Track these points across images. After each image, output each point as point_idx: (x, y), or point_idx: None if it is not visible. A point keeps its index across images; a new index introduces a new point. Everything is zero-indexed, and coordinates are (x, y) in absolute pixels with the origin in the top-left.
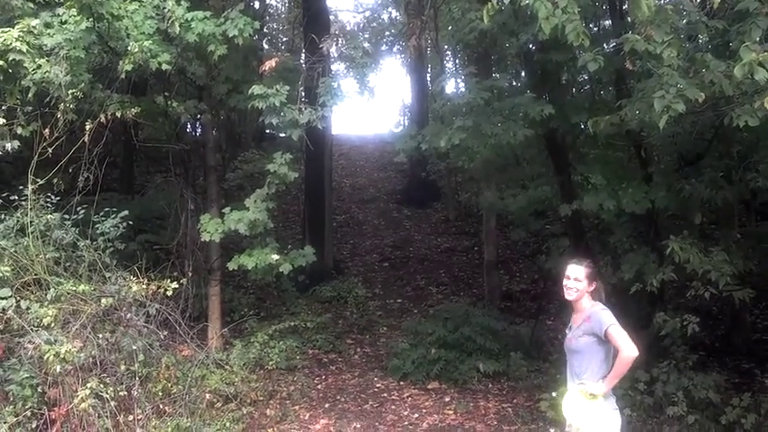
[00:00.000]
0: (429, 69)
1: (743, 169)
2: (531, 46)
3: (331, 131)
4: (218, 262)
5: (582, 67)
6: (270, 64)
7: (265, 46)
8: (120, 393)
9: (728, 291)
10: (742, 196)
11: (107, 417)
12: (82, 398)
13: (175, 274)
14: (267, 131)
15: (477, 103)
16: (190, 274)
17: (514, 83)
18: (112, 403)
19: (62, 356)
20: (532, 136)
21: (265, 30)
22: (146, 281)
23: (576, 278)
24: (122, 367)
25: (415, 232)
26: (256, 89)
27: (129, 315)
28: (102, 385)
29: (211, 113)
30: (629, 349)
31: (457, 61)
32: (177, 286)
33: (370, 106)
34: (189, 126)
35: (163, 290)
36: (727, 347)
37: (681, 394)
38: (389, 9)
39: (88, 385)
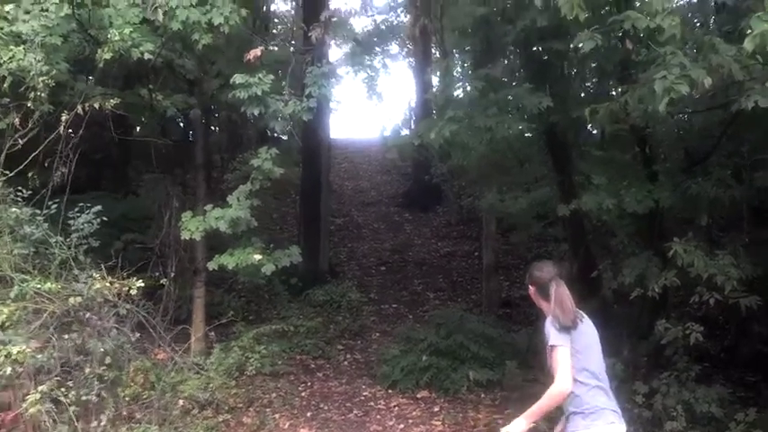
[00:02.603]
0: (437, 73)
1: (752, 168)
2: (529, 34)
3: (329, 132)
4: (204, 263)
5: (582, 58)
6: (255, 53)
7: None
8: (83, 398)
9: (735, 297)
10: (751, 197)
11: (64, 423)
12: (31, 402)
13: (157, 274)
14: (271, 133)
15: (470, 93)
16: (172, 275)
17: (515, 74)
18: (72, 409)
19: (14, 358)
20: (531, 132)
21: (274, 31)
22: (110, 279)
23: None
24: (87, 370)
25: (415, 236)
26: (238, 78)
27: (94, 315)
28: (62, 389)
29: (202, 109)
30: (561, 382)
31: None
32: (143, 285)
33: (378, 110)
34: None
35: (127, 289)
36: (733, 359)
37: (680, 408)
38: (399, 11)
39: (39, 389)
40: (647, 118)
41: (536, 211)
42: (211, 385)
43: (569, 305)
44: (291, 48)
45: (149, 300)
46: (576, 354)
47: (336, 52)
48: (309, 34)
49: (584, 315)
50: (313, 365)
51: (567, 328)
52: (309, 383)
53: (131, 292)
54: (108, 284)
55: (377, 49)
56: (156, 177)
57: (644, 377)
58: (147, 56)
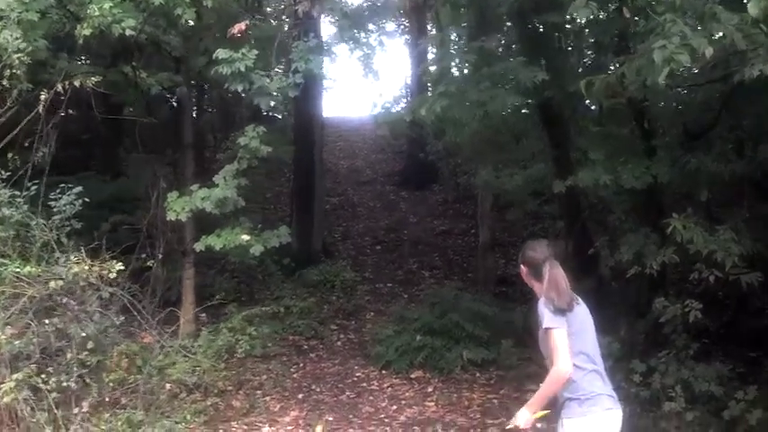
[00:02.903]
0: (431, 48)
1: (754, 142)
2: (524, 5)
3: (321, 110)
4: (192, 244)
5: (579, 30)
6: (239, 27)
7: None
8: (64, 384)
9: (735, 274)
10: (752, 171)
11: (43, 410)
12: (6, 390)
13: (144, 256)
14: (265, 112)
15: (463, 68)
16: (160, 257)
17: (510, 48)
18: (52, 395)
19: None
20: (527, 107)
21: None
22: (89, 262)
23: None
24: (68, 356)
25: (410, 215)
26: (221, 53)
27: (75, 299)
28: (42, 375)
29: (189, 87)
30: (561, 365)
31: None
32: (124, 268)
33: (374, 88)
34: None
35: (107, 272)
36: (733, 335)
37: (679, 389)
38: None
39: (14, 377)
40: (644, 91)
41: (532, 188)
42: (200, 368)
43: (564, 287)
44: (274, 22)
45: (137, 282)
46: (571, 336)
47: (331, 29)
48: (296, 8)
49: (579, 297)
50: (306, 346)
51: (563, 310)
52: (302, 365)
53: (110, 275)
54: (87, 268)
55: (372, 26)
56: (145, 158)
57: (641, 356)
58: (128, 32)
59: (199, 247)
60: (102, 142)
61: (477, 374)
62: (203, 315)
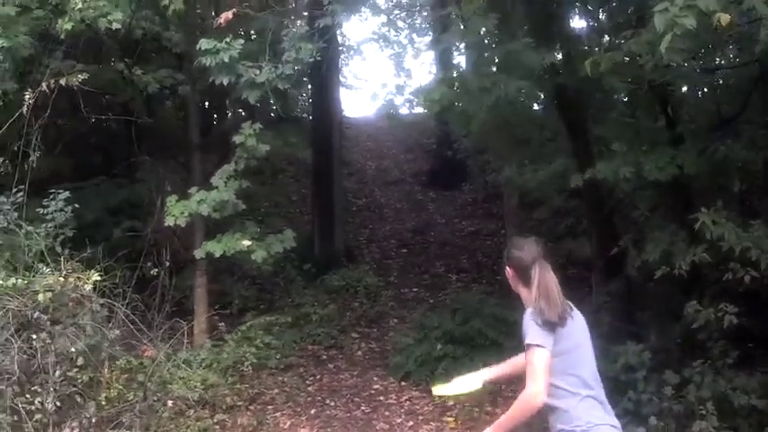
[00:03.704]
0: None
1: None
2: None
3: (340, 110)
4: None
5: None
6: (226, 16)
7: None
8: (48, 406)
9: None
10: None
11: None
12: None
13: (149, 264)
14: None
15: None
16: (167, 264)
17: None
18: (37, 417)
19: None
20: (540, 94)
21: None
22: (64, 273)
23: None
24: (56, 373)
25: (438, 215)
26: (204, 43)
27: (61, 313)
28: (27, 395)
29: (193, 84)
30: (532, 391)
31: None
32: (99, 279)
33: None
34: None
35: (82, 283)
36: None
37: (711, 406)
38: None
39: None
40: (666, 73)
41: (557, 184)
42: (208, 382)
43: (556, 295)
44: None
45: (143, 292)
46: (562, 356)
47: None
48: None
49: (573, 307)
50: (324, 356)
51: (552, 324)
52: (318, 376)
53: (86, 287)
54: (62, 279)
55: (401, 23)
56: (155, 161)
57: (676, 365)
58: (115, 26)
59: (199, 254)
60: (115, 146)
61: (502, 386)
62: (222, 324)
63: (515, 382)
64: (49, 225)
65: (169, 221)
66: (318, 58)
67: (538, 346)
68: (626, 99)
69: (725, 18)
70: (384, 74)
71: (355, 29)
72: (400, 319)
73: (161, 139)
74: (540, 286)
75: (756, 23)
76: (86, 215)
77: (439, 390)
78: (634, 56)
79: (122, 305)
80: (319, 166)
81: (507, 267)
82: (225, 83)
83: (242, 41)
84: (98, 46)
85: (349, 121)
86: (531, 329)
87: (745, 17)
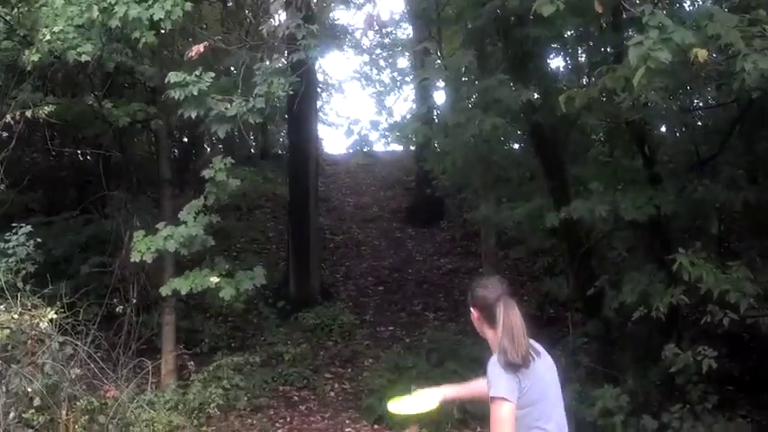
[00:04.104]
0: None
1: None
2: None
3: (317, 145)
4: None
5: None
6: (197, 49)
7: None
8: None
9: (752, 316)
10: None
11: None
12: None
13: (115, 300)
14: (275, 150)
15: (426, 84)
16: (134, 301)
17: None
18: None
19: None
20: (516, 132)
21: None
22: (19, 310)
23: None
24: (11, 415)
25: (416, 253)
26: (172, 76)
27: (18, 351)
28: None
29: (166, 119)
30: None
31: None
32: (55, 316)
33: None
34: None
35: (36, 321)
36: (761, 382)
37: None
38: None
39: None
40: (640, 110)
41: (535, 222)
42: (174, 424)
43: (521, 334)
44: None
45: (110, 329)
46: (528, 408)
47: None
48: (261, 28)
49: (542, 349)
50: (296, 397)
51: (516, 366)
52: (289, 419)
53: (41, 324)
54: (16, 316)
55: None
56: (127, 196)
57: (655, 409)
58: (84, 58)
59: (165, 291)
60: (91, 180)
61: (479, 429)
62: (191, 363)
63: None
64: (10, 260)
65: (135, 257)
66: (291, 93)
67: (503, 399)
68: (603, 138)
69: (702, 53)
70: (366, 112)
71: (338, 66)
72: (375, 358)
73: (134, 174)
74: (505, 326)
75: (733, 60)
76: (56, 250)
77: (394, 406)
78: (610, 92)
79: (85, 343)
80: (295, 202)
81: (471, 309)
82: (193, 116)
83: (212, 75)
84: (69, 79)
85: (330, 157)
86: (496, 379)
87: (722, 55)
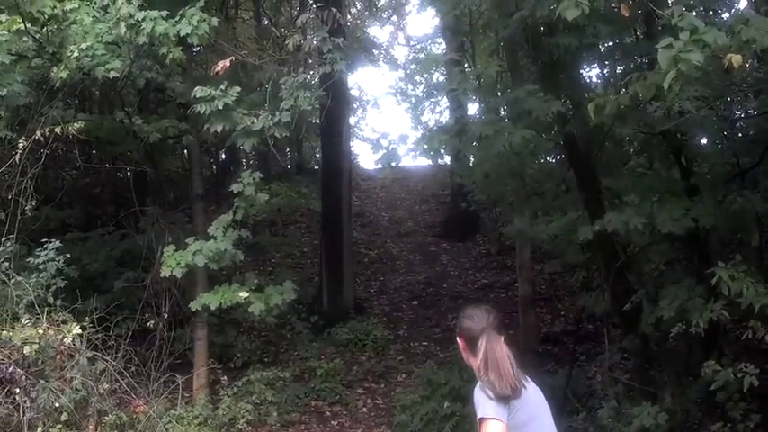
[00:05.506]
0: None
1: None
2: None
3: (351, 159)
4: None
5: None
6: (224, 64)
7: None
8: None
9: None
10: None
11: None
12: None
13: (147, 316)
14: (310, 165)
15: (455, 95)
16: (165, 316)
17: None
18: None
19: None
20: (548, 143)
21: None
22: (45, 325)
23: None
24: (39, 430)
25: (451, 267)
26: (198, 91)
27: (47, 366)
28: None
29: (197, 134)
30: None
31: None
32: (79, 331)
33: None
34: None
35: (61, 336)
36: None
37: None
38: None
39: None
40: (675, 120)
41: (570, 236)
42: None
43: (508, 367)
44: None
45: (143, 344)
46: (518, 429)
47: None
48: (287, 42)
49: (530, 380)
50: (328, 413)
51: (506, 397)
52: None
53: (65, 340)
54: (41, 331)
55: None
56: (161, 212)
57: (694, 428)
58: (113, 74)
59: (195, 305)
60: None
61: None
62: (224, 378)
63: None
64: (41, 275)
65: (165, 272)
66: (317, 107)
67: (492, 419)
68: (638, 149)
69: (737, 59)
70: (401, 127)
71: (374, 83)
72: (408, 373)
73: (168, 189)
74: (488, 358)
75: None
76: (91, 265)
77: None
78: (642, 101)
79: (116, 358)
80: (328, 216)
81: (458, 339)
82: (219, 130)
83: (238, 89)
84: (103, 96)
85: (365, 172)
86: (483, 403)
87: (761, 63)
